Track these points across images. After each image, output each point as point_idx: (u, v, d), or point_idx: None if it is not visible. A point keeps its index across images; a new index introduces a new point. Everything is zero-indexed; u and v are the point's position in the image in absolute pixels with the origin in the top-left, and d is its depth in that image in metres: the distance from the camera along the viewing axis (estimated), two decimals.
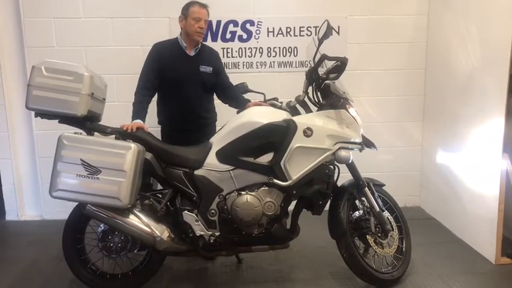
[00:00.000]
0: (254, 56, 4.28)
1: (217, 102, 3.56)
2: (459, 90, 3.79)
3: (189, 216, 2.76)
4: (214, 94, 3.52)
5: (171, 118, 3.41)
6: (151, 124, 3.51)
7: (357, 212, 3.01)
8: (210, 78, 3.34)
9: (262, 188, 2.78)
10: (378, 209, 2.95)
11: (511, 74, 3.12)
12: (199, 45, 3.32)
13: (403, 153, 4.57)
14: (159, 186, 2.91)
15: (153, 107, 3.36)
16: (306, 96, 2.98)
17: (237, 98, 3.36)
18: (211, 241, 2.77)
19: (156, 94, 3.37)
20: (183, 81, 3.26)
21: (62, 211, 3.49)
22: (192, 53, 3.29)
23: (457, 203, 3.83)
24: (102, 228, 2.79)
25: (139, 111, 3.06)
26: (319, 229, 3.15)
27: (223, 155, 2.77)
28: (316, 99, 2.99)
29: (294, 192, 2.77)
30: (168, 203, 2.79)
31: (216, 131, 3.20)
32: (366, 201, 3.00)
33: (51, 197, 2.49)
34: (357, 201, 3.03)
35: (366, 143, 2.95)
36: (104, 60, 4.12)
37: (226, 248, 2.89)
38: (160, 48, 3.29)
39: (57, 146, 2.48)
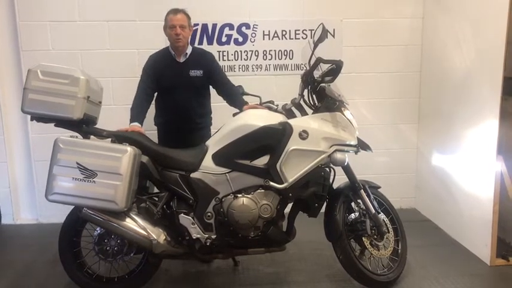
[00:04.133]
0: (250, 59, 4.29)
1: (214, 106, 3.58)
2: (454, 92, 3.81)
3: (185, 219, 2.76)
4: (212, 98, 3.58)
5: (166, 121, 3.51)
6: (148, 127, 3.52)
7: (352, 214, 3.02)
8: (201, 81, 3.40)
9: (259, 191, 2.78)
10: (373, 211, 2.96)
11: (505, 76, 3.14)
12: (190, 50, 3.38)
13: (399, 155, 4.59)
14: (156, 189, 2.91)
15: (150, 110, 3.38)
16: (302, 99, 2.99)
17: (232, 96, 3.39)
18: (208, 244, 2.77)
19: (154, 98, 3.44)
20: (175, 87, 3.35)
21: (58, 214, 3.48)
22: (181, 59, 3.36)
23: (452, 204, 3.85)
24: (99, 231, 2.78)
25: (137, 115, 3.13)
26: (315, 231, 3.15)
27: (220, 158, 2.78)
28: (311, 102, 3.00)
29: (290, 194, 2.78)
30: (165, 206, 2.80)
31: (212, 134, 3.21)
32: (361, 203, 3.01)
33: (47, 200, 2.48)
34: (352, 204, 3.05)
35: (362, 146, 2.96)
36: (100, 63, 4.12)
37: (223, 251, 2.90)
38: (155, 57, 3.39)
39: (53, 150, 2.48)
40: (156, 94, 3.42)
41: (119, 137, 2.68)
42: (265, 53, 4.30)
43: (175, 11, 3.28)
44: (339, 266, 2.99)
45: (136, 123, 3.02)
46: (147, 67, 3.33)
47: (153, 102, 3.43)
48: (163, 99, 3.45)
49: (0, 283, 3.15)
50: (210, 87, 3.54)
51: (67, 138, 2.51)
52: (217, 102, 3.57)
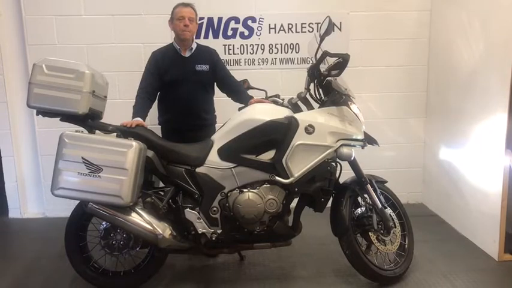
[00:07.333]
0: (256, 53, 4.27)
1: (217, 101, 3.57)
2: (462, 86, 3.77)
3: (191, 214, 2.76)
4: (215, 94, 3.55)
5: (170, 119, 3.46)
6: (153, 122, 3.53)
7: (359, 209, 3.01)
8: (207, 76, 3.38)
9: (264, 186, 2.78)
10: (380, 206, 2.95)
11: None
12: (195, 45, 3.37)
13: (406, 149, 4.56)
14: (161, 184, 2.91)
15: (154, 107, 3.37)
16: (308, 93, 2.97)
17: (237, 92, 3.39)
18: (213, 239, 2.77)
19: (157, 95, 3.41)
20: (181, 82, 3.32)
21: (64, 209, 3.51)
22: (187, 54, 3.35)
23: (459, 199, 3.82)
24: (105, 226, 2.78)
25: (140, 110, 3.12)
26: (321, 226, 3.15)
27: (225, 153, 2.77)
28: (318, 96, 2.98)
29: (296, 189, 2.77)
30: (170, 201, 2.79)
31: (217, 129, 3.20)
32: (368, 198, 2.99)
33: (53, 195, 2.49)
34: (359, 198, 3.03)
35: (368, 140, 2.94)
36: (106, 57, 4.12)
37: (228, 246, 2.90)
38: (158, 54, 3.37)
39: (59, 144, 2.48)
40: (159, 93, 3.39)
41: (125, 132, 2.68)
42: (271, 46, 4.27)
43: (184, 4, 3.30)
44: (345, 261, 2.98)
45: (138, 118, 3.01)
46: (150, 65, 3.31)
47: (156, 102, 3.42)
48: (167, 96, 3.40)
49: (7, 277, 3.17)
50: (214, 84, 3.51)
51: (72, 133, 2.51)
52: (221, 97, 3.55)
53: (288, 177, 2.73)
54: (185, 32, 3.25)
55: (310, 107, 2.96)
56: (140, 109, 3.12)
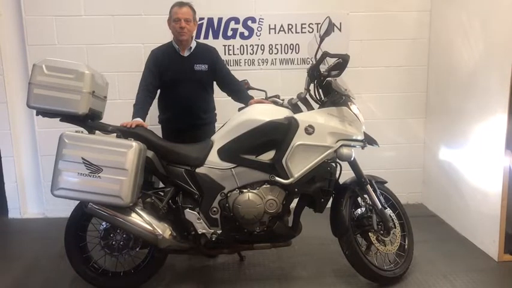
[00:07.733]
0: (256, 53, 4.27)
1: (218, 101, 3.57)
2: (462, 86, 3.77)
3: (190, 214, 2.76)
4: (215, 94, 3.56)
5: (169, 118, 3.47)
6: (152, 123, 3.52)
7: (359, 210, 3.01)
8: (206, 75, 3.37)
9: (264, 186, 2.78)
10: (380, 206, 2.95)
11: None
12: (194, 45, 3.36)
13: (406, 150, 4.56)
14: (161, 185, 2.91)
15: (154, 106, 3.38)
16: (308, 94, 2.97)
17: (238, 91, 3.38)
18: (213, 239, 2.77)
19: (157, 95, 3.42)
20: (180, 81, 3.32)
21: (64, 209, 3.50)
22: (185, 53, 3.34)
23: (459, 200, 3.82)
24: (104, 226, 2.78)
25: (140, 110, 3.11)
26: (321, 227, 3.15)
27: (225, 153, 2.77)
28: (318, 96, 2.98)
29: (296, 190, 2.77)
30: (170, 201, 2.79)
31: (217, 129, 3.20)
32: (368, 198, 2.99)
33: (53, 195, 2.49)
34: (359, 199, 3.03)
35: (368, 140, 2.94)
36: (106, 58, 4.12)
37: (228, 246, 2.90)
38: (157, 52, 3.36)
39: (59, 145, 2.48)
40: (159, 92, 3.40)
41: (124, 132, 2.68)
42: (271, 47, 4.28)
43: (180, 4, 3.26)
44: (345, 261, 2.98)
45: (138, 118, 3.01)
46: (150, 63, 3.31)
47: (156, 101, 3.42)
48: (166, 95, 3.41)
49: (7, 277, 3.17)
50: (214, 83, 3.51)
51: (72, 133, 2.51)
52: (221, 97, 3.56)
53: (287, 178, 2.73)
54: (181, 33, 3.23)
55: (310, 108, 2.96)
56: (140, 109, 3.12)
